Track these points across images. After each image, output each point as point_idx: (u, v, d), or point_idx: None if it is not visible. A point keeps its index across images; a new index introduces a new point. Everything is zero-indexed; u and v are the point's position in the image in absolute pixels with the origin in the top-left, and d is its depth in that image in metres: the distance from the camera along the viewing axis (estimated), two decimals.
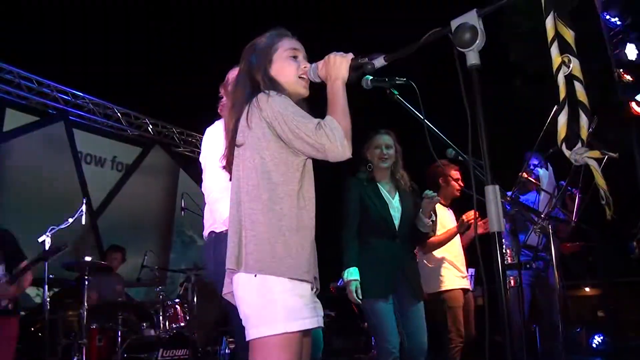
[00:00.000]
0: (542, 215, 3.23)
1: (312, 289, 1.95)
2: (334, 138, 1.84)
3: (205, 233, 3.04)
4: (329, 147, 1.85)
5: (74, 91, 7.98)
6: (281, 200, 1.89)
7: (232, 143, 2.02)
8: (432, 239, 4.31)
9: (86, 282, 5.20)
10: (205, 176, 3.11)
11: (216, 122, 3.17)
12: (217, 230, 2.93)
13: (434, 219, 3.80)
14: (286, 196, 1.90)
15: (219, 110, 3.26)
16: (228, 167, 2.09)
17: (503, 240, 1.97)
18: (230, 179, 2.10)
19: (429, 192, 3.71)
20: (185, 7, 8.34)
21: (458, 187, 4.60)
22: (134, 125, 8.95)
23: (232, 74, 3.04)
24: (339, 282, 7.76)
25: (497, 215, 1.55)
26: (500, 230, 1.57)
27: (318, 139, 1.84)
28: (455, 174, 4.66)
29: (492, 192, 1.57)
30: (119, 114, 8.65)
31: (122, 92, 8.39)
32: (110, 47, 8.10)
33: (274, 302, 1.81)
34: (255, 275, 1.83)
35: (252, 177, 1.92)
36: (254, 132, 1.92)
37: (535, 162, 4.78)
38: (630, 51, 5.46)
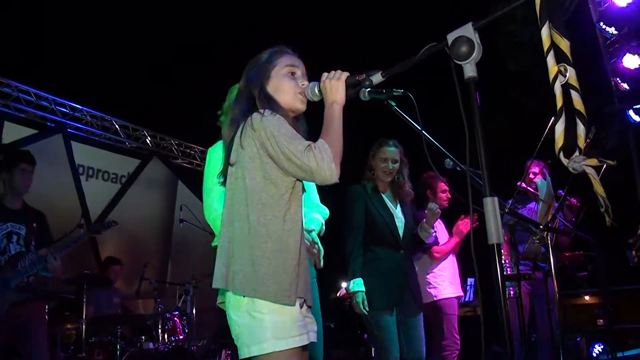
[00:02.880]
0: (541, 227, 3.24)
1: (302, 306, 1.96)
2: (322, 161, 1.86)
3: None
4: (315, 170, 1.87)
5: (72, 104, 7.98)
6: (268, 222, 1.91)
7: (226, 162, 2.05)
8: (439, 247, 4.38)
9: (85, 296, 5.18)
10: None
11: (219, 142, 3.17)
12: None
13: (435, 230, 3.83)
14: (273, 218, 1.92)
15: None
16: (225, 184, 2.11)
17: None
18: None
19: (432, 205, 3.75)
20: (185, 19, 8.36)
21: (445, 199, 4.66)
22: (132, 138, 8.94)
23: None
24: (341, 292, 7.76)
25: (496, 227, 1.55)
26: (499, 242, 1.57)
27: (306, 161, 1.86)
28: (442, 185, 4.69)
29: (491, 204, 1.57)
30: (117, 126, 8.65)
31: (120, 104, 8.37)
32: (108, 59, 8.10)
33: (262, 321, 1.84)
34: (244, 297, 1.87)
35: (242, 196, 1.95)
36: (246, 151, 1.95)
37: (535, 170, 4.80)
38: (630, 61, 5.48)
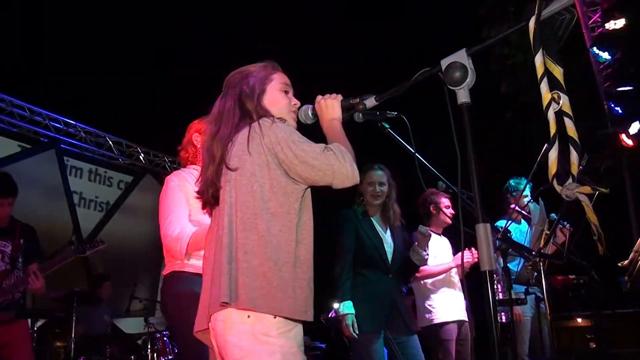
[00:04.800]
0: (534, 253, 3.23)
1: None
2: (342, 159, 1.82)
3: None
4: (338, 168, 1.81)
5: (66, 119, 7.97)
6: (278, 232, 1.81)
7: (219, 168, 1.95)
8: (424, 268, 4.33)
9: (74, 314, 5.12)
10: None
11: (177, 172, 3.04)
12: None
13: (428, 252, 3.80)
14: (284, 228, 1.82)
15: (188, 158, 3.11)
16: (207, 192, 1.99)
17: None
18: (205, 208, 2.05)
19: (422, 228, 3.72)
20: (177, 36, 8.39)
21: (450, 215, 4.62)
22: (125, 154, 8.93)
23: (198, 126, 3.01)
24: (331, 313, 7.70)
25: (489, 255, 1.54)
26: (492, 269, 1.56)
27: (325, 160, 1.81)
28: (445, 201, 4.68)
29: (484, 231, 1.56)
30: (110, 143, 8.63)
31: (114, 120, 8.38)
32: (102, 75, 8.12)
33: (271, 345, 1.71)
34: (248, 316, 1.73)
35: (248, 205, 1.83)
36: (253, 158, 1.86)
37: (527, 193, 4.80)
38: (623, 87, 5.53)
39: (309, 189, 1.96)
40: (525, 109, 8.52)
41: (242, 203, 1.85)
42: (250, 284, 1.73)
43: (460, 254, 4.54)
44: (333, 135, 1.98)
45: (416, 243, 3.73)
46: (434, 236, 4.27)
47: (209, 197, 1.99)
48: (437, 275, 4.55)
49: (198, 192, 2.04)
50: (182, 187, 2.87)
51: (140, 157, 9.11)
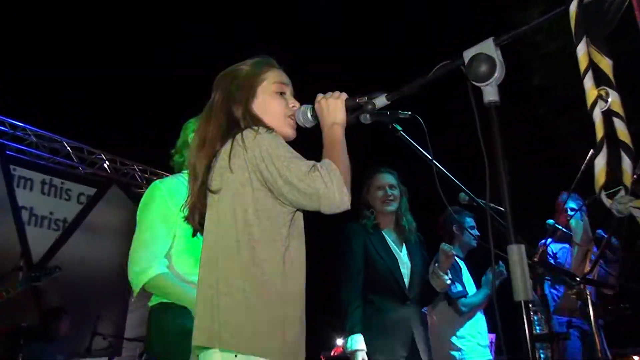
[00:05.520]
0: (578, 278, 3.21)
1: None
2: (330, 182, 1.81)
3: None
4: (323, 193, 1.81)
5: (13, 121, 7.95)
6: (263, 263, 1.84)
7: (202, 189, 2.00)
8: (468, 300, 4.34)
9: (21, 353, 5.09)
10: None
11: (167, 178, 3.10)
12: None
13: (451, 276, 3.77)
14: (269, 258, 1.85)
15: (184, 162, 3.16)
16: (193, 217, 2.06)
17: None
18: (194, 235, 2.10)
19: (445, 246, 3.69)
20: (150, 30, 8.42)
21: (475, 237, 4.61)
22: (86, 162, 8.93)
23: (195, 125, 2.99)
24: (334, 350, 7.69)
25: (524, 282, 1.52)
26: (527, 299, 1.55)
27: (311, 183, 1.81)
28: (470, 221, 4.68)
29: (517, 253, 1.54)
30: (68, 149, 8.63)
31: (72, 123, 8.37)
32: (56, 71, 8.11)
33: None
34: (235, 356, 1.76)
35: (230, 231, 1.87)
36: (236, 175, 1.89)
37: (574, 205, 4.79)
38: None
39: (300, 212, 1.98)
40: (561, 104, 8.52)
41: (224, 230, 1.89)
42: (233, 322, 1.79)
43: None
44: (330, 145, 1.99)
45: (437, 264, 3.70)
46: (457, 261, 4.26)
47: (196, 224, 2.06)
48: (480, 307, 4.56)
49: (186, 218, 2.09)
50: (171, 200, 2.89)
51: (105, 165, 9.11)
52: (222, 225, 1.90)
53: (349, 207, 1.87)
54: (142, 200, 2.99)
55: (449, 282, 3.74)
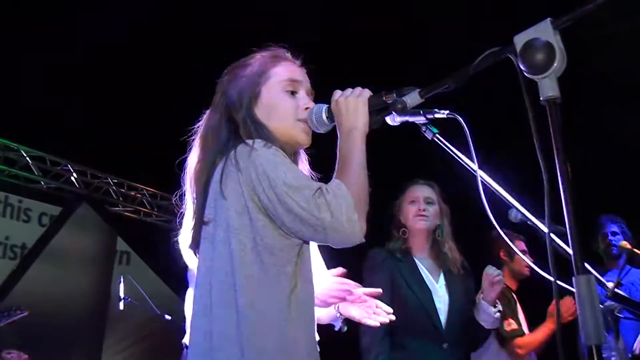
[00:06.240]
0: None
1: None
2: (338, 210, 1.79)
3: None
4: (330, 224, 1.79)
5: None
6: (265, 309, 1.84)
7: (199, 216, 2.01)
8: (523, 339, 4.32)
9: None
10: None
11: None
12: None
13: (500, 308, 3.73)
14: (271, 302, 1.86)
15: None
16: (196, 248, 2.08)
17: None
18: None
19: (490, 269, 3.65)
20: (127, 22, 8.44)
21: (527, 264, 4.57)
22: (50, 175, 8.95)
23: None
24: None
25: (595, 322, 1.50)
26: (599, 343, 1.53)
27: (315, 211, 1.79)
28: (521, 244, 4.65)
29: (586, 286, 1.52)
30: (27, 159, 8.66)
31: (30, 127, 8.32)
32: (7, 63, 8.08)
33: None
34: None
35: (225, 271, 1.88)
36: (230, 203, 1.89)
37: (615, 229, 4.79)
38: None
39: (308, 244, 1.98)
40: (631, 96, 8.46)
41: (218, 269, 1.90)
42: None
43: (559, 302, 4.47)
44: (345, 158, 1.98)
45: (481, 295, 3.65)
46: (506, 292, 4.23)
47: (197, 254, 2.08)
48: (542, 343, 4.54)
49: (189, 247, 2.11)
50: None
51: (72, 178, 9.13)
52: (217, 264, 1.91)
53: (363, 240, 1.87)
54: None
55: (498, 315, 3.70)
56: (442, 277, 3.81)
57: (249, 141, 1.93)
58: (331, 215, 1.78)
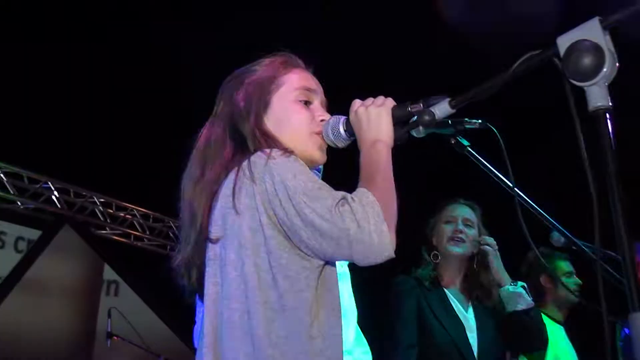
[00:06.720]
0: None
1: None
2: (364, 220, 1.74)
3: None
4: (355, 235, 1.73)
5: None
6: (283, 341, 1.80)
7: (200, 237, 1.99)
8: None
9: None
10: None
11: None
12: None
13: (523, 283, 3.70)
14: (292, 333, 1.81)
15: None
16: (189, 275, 2.07)
17: None
18: (200, 296, 2.07)
19: (489, 239, 3.74)
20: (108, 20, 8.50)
21: (574, 288, 4.55)
22: (27, 194, 8.99)
23: None
24: None
25: None
26: None
27: (338, 222, 1.74)
28: (566, 265, 4.62)
29: None
30: (1, 176, 8.70)
31: (6, 140, 8.35)
32: None
33: None
34: None
35: (236, 296, 1.85)
36: (243, 219, 1.86)
37: None
38: None
39: (332, 266, 1.94)
40: None
41: (229, 294, 1.86)
42: None
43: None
44: (369, 170, 1.95)
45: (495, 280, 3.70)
46: (550, 324, 4.22)
47: (196, 285, 2.05)
48: None
49: (178, 276, 2.10)
50: None
51: (53, 197, 9.16)
52: (227, 290, 1.87)
53: (393, 255, 1.80)
54: None
55: (522, 290, 3.66)
56: (470, 309, 3.80)
57: (266, 150, 1.90)
58: (357, 225, 1.73)
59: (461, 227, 3.82)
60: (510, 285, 3.63)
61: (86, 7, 7.66)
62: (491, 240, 3.69)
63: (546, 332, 3.74)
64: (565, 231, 2.42)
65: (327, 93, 2.27)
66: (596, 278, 1.66)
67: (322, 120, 2.13)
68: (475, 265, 3.83)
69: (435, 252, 3.84)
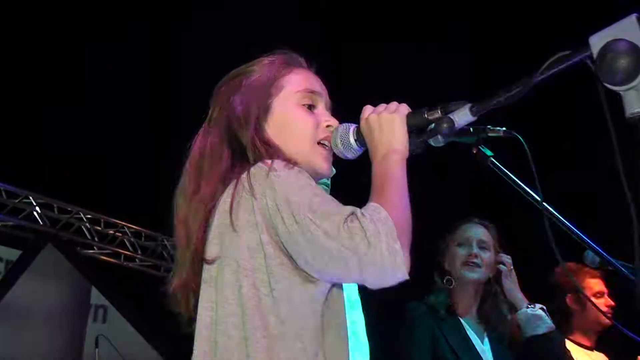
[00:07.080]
0: None
1: None
2: (375, 237, 1.71)
3: None
4: (365, 255, 1.70)
5: None
6: None
7: (195, 257, 1.99)
8: None
9: None
10: None
11: None
12: None
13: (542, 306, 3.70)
14: None
15: None
16: (187, 300, 2.08)
17: None
18: (193, 318, 2.05)
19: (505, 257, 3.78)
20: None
21: (607, 309, 4.53)
22: (6, 210, 9.01)
23: None
24: None
25: None
26: None
27: (346, 240, 1.71)
28: (597, 283, 4.59)
29: None
30: None
31: None
32: None
33: None
34: None
35: (233, 322, 1.84)
36: (241, 237, 1.86)
37: None
38: None
39: (340, 289, 1.93)
40: None
41: (224, 319, 1.85)
42: None
43: None
44: (382, 182, 1.94)
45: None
46: (578, 351, 4.22)
47: (190, 309, 2.05)
48: None
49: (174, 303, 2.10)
50: None
51: (35, 213, 9.18)
52: (223, 314, 1.86)
53: (407, 277, 1.78)
54: None
55: (542, 312, 3.67)
56: (486, 339, 3.81)
57: (267, 160, 1.89)
58: (367, 243, 1.70)
59: (476, 250, 3.82)
60: (528, 307, 3.64)
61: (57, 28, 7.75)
62: (507, 258, 3.69)
63: (571, 358, 3.74)
64: (600, 250, 2.42)
65: (331, 95, 2.27)
66: (634, 300, 1.66)
67: (328, 126, 2.12)
68: (491, 287, 3.83)
69: (449, 277, 3.83)
